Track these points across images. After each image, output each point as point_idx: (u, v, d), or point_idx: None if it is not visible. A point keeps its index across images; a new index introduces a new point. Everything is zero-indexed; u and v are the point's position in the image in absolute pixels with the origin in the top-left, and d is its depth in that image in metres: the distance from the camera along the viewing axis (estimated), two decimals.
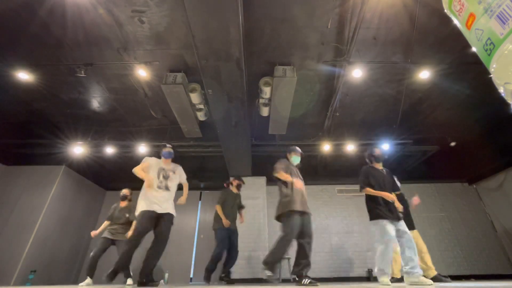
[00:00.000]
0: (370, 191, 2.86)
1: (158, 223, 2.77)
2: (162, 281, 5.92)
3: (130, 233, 4.17)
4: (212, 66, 3.38)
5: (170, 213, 2.85)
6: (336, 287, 2.53)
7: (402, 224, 2.77)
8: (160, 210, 2.76)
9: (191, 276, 6.12)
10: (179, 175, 3.15)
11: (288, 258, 5.71)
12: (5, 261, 4.69)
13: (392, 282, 3.56)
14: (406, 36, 3.65)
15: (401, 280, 3.77)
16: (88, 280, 3.80)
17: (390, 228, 2.69)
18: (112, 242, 4.06)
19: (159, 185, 2.88)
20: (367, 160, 3.20)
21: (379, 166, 3.11)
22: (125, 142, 5.66)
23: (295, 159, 3.24)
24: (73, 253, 5.97)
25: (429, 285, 2.49)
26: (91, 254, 3.88)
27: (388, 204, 2.80)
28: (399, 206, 2.80)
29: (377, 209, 2.79)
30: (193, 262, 6.26)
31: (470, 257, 5.80)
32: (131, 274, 4.24)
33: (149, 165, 2.98)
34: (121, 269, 2.59)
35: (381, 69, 4.20)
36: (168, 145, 3.18)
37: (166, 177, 2.96)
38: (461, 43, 3.65)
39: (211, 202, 7.02)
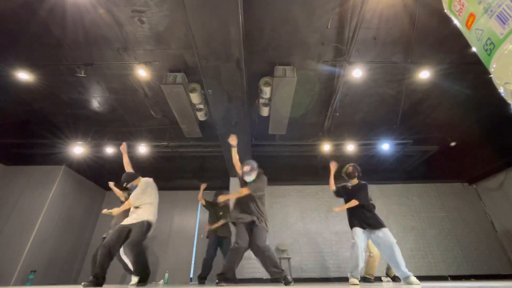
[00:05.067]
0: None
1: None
2: (162, 281, 5.91)
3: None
4: (212, 66, 3.38)
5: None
6: (336, 287, 2.53)
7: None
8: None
9: (191, 276, 6.12)
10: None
11: (289, 258, 5.72)
12: (5, 261, 4.69)
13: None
14: (406, 36, 3.65)
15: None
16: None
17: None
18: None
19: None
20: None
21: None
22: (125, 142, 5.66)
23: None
24: (73, 253, 5.97)
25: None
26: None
27: None
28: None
29: None
30: (193, 262, 6.26)
31: (470, 257, 5.79)
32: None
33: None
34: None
35: (381, 69, 4.20)
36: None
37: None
38: (461, 43, 3.64)
39: None
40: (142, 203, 3.14)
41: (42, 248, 5.15)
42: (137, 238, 2.93)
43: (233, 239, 3.96)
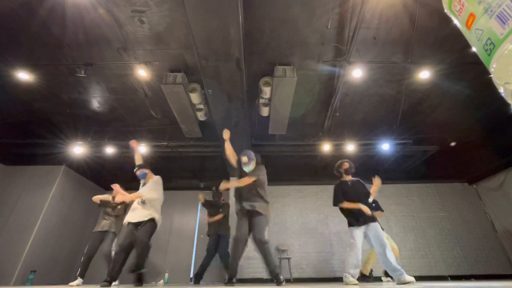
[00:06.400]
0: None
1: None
2: (162, 281, 5.92)
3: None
4: (212, 66, 3.39)
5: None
6: (336, 287, 2.54)
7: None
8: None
9: (191, 276, 6.11)
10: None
11: (289, 259, 5.72)
12: (5, 261, 4.69)
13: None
14: (406, 36, 3.65)
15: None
16: None
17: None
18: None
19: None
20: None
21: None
22: (125, 142, 5.66)
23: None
24: (73, 253, 5.97)
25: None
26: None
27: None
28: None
29: None
30: (193, 262, 6.26)
31: (470, 257, 5.79)
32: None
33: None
34: None
35: (381, 69, 4.20)
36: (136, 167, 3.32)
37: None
38: (461, 43, 3.65)
39: None
40: (152, 199, 3.10)
41: (42, 248, 5.15)
42: (148, 236, 2.93)
43: (232, 236, 3.93)
